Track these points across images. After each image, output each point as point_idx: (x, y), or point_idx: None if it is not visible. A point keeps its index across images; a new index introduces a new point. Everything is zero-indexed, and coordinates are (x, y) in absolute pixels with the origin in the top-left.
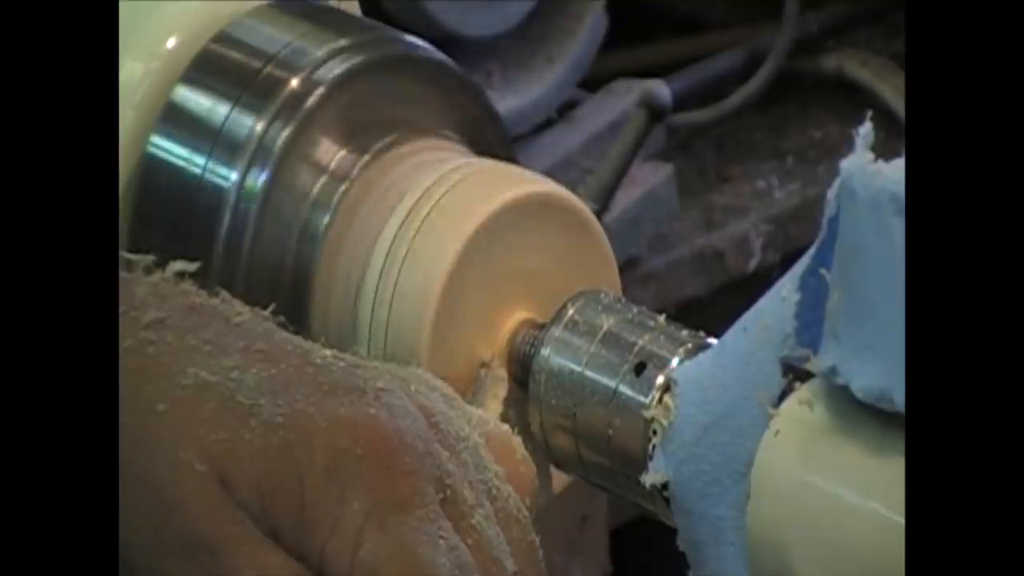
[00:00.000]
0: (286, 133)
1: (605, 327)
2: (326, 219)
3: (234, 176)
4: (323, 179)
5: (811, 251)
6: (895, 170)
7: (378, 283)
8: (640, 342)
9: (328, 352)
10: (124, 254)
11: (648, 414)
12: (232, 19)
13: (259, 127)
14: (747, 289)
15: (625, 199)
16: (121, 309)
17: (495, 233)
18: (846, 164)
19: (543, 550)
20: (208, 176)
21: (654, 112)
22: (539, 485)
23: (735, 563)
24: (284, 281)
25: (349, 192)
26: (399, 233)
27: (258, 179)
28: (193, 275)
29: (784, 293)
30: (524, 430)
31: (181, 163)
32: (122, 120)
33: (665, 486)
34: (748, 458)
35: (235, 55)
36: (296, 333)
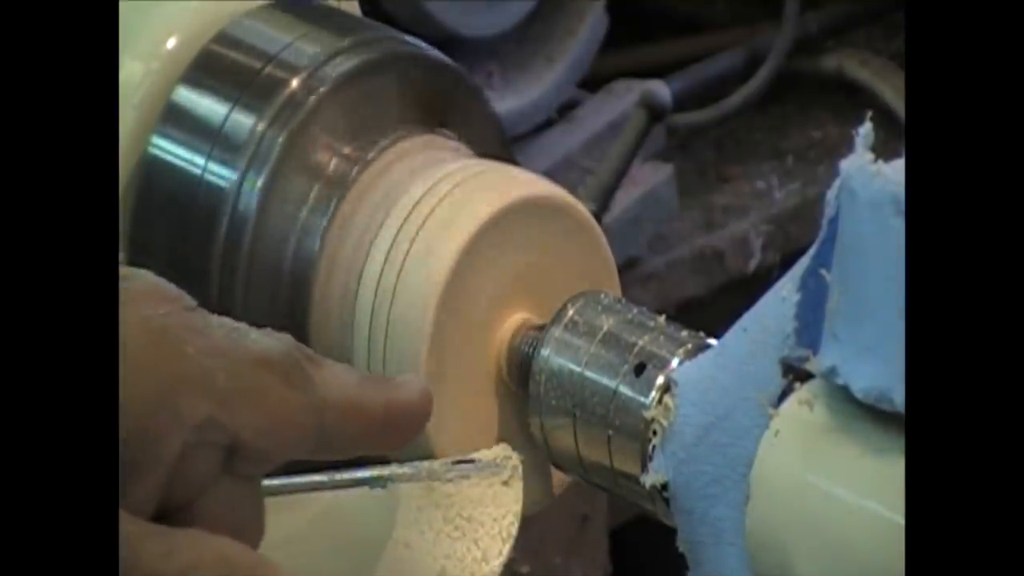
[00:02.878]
0: (286, 133)
1: (605, 327)
2: (325, 219)
3: (234, 176)
4: (323, 179)
5: (811, 251)
6: (895, 170)
7: (378, 283)
8: (640, 342)
9: None
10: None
11: (648, 414)
12: (232, 19)
13: (259, 127)
14: (747, 289)
15: (625, 199)
16: None
17: (495, 234)
18: (846, 164)
19: (543, 550)
20: (208, 176)
21: (654, 112)
22: (539, 485)
23: (735, 563)
24: (283, 281)
25: (349, 192)
26: (399, 234)
27: (258, 179)
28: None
29: (784, 293)
30: (524, 430)
31: (181, 163)
32: (122, 120)
33: (665, 486)
34: (748, 458)
35: (235, 55)
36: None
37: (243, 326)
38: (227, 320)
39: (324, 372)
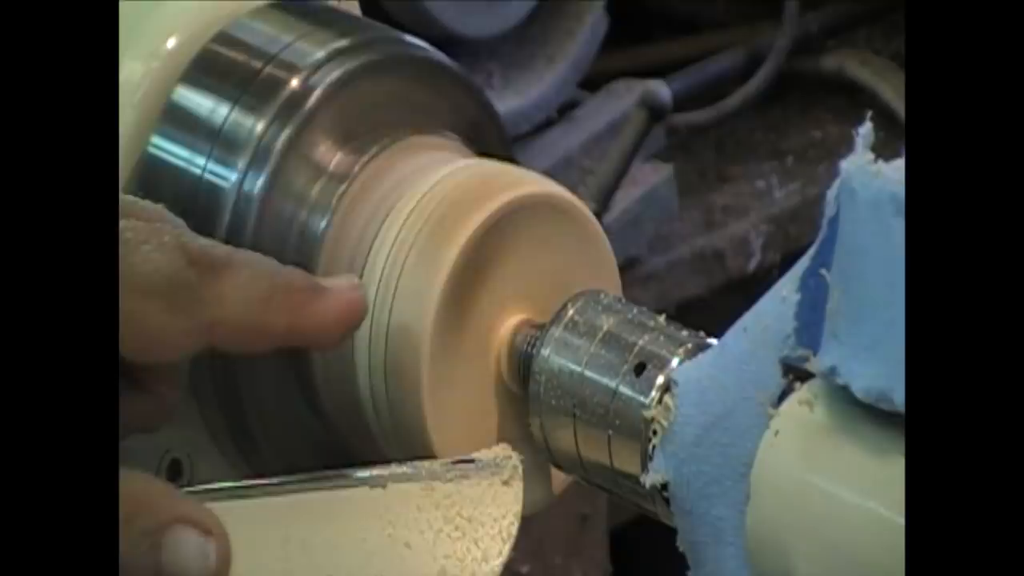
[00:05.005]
0: (286, 134)
1: (605, 327)
2: (326, 220)
3: (234, 177)
4: (323, 180)
5: (811, 251)
6: (895, 170)
7: (379, 284)
8: (640, 342)
9: None
10: None
11: (648, 414)
12: (232, 19)
13: (259, 127)
14: (747, 289)
15: (625, 199)
16: None
17: (496, 233)
18: (846, 164)
19: (543, 550)
20: (208, 176)
21: (654, 112)
22: (539, 485)
23: (735, 563)
24: None
25: (349, 193)
26: (400, 234)
27: (257, 180)
28: None
29: (784, 293)
30: (524, 430)
31: (181, 163)
32: (122, 120)
33: (665, 486)
34: (748, 458)
35: (235, 55)
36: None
37: (132, 237)
38: (123, 223)
39: (223, 287)
